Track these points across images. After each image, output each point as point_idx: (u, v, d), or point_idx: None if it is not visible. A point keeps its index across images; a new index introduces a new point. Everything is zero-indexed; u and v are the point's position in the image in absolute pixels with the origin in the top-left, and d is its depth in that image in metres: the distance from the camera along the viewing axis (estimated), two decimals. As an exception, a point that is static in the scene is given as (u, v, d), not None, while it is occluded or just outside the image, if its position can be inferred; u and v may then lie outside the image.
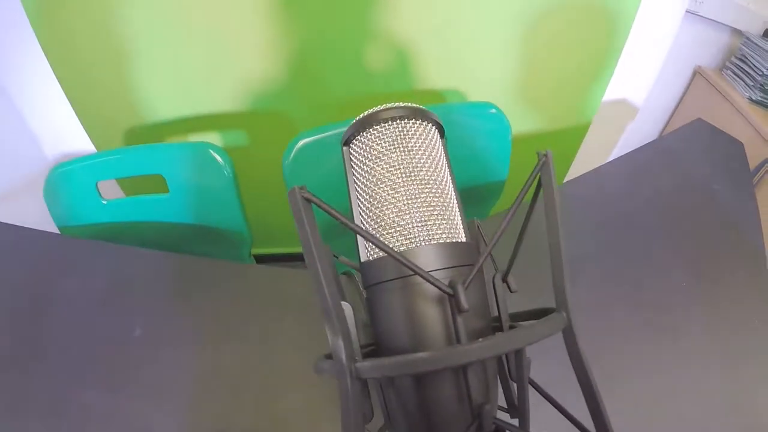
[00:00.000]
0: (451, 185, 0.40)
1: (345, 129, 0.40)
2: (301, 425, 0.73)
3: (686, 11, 1.70)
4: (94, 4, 1.33)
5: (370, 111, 0.38)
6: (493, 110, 1.29)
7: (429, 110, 0.39)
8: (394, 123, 0.38)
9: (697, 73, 2.16)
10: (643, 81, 1.77)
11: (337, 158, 0.41)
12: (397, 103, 0.38)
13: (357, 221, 0.39)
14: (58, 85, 1.49)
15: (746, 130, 1.83)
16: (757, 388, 0.78)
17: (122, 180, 1.64)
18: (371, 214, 0.37)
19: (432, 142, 0.39)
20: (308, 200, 0.33)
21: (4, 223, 1.07)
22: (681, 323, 0.88)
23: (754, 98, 1.89)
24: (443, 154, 0.40)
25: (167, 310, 0.91)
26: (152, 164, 1.20)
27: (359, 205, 0.39)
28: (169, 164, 1.20)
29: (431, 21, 1.46)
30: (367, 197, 0.38)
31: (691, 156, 1.35)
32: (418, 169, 0.37)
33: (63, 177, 1.19)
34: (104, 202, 1.23)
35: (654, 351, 0.83)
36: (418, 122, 0.39)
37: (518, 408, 0.37)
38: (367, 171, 0.38)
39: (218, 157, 1.15)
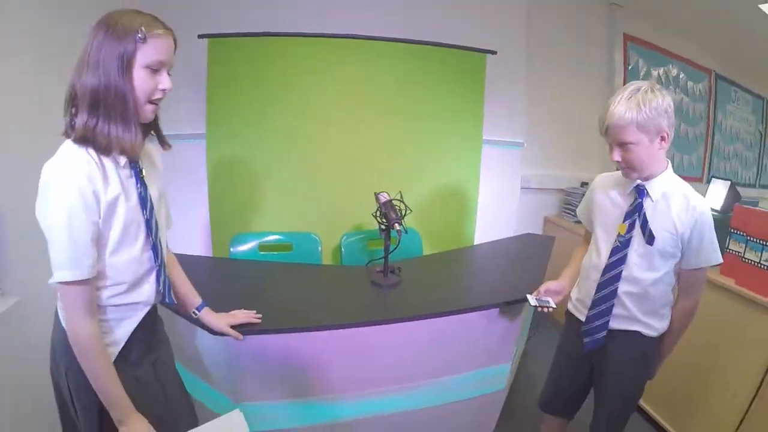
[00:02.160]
0: None
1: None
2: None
3: (522, 188, 3.33)
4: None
5: None
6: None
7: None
8: None
9: (546, 220, 3.78)
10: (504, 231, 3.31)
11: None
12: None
13: None
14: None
15: (573, 238, 3.30)
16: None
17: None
18: None
19: None
20: None
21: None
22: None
23: (576, 221, 3.41)
24: None
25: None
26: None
27: None
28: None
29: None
30: None
31: (527, 241, 2.78)
32: None
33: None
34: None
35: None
36: None
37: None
38: None
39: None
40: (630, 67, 4.02)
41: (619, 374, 1.58)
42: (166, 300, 1.29)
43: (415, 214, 2.23)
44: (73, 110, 1.06)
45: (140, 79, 1.06)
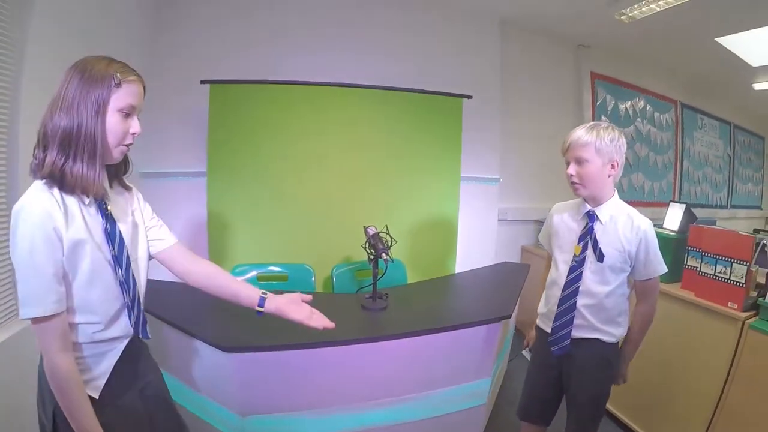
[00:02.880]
0: None
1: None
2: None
3: (499, 220, 3.58)
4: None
5: None
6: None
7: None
8: None
9: (523, 249, 4.04)
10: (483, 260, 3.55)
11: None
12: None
13: None
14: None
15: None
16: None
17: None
18: None
19: None
20: None
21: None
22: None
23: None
24: None
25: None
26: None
27: None
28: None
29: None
30: None
31: (504, 269, 3.01)
32: None
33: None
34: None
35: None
36: None
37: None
38: None
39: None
40: (598, 103, 4.32)
41: (585, 377, 1.76)
42: (140, 336, 1.29)
43: (400, 246, 2.45)
44: (42, 150, 1.08)
45: (113, 122, 1.11)
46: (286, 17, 3.17)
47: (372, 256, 2.27)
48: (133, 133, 1.17)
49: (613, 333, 1.72)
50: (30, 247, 1.02)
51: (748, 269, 2.03)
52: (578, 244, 1.70)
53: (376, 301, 2.33)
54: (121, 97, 1.11)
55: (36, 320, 1.05)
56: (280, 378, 1.96)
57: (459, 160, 3.41)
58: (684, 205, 2.79)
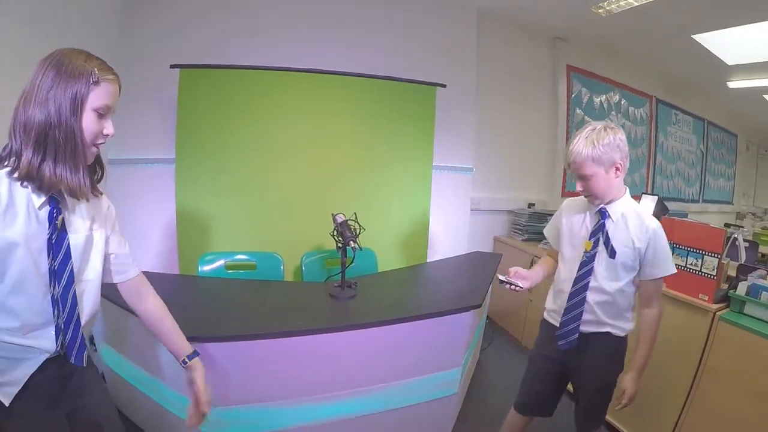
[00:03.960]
0: None
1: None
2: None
3: (472, 210, 3.58)
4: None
5: None
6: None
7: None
8: None
9: (495, 239, 4.05)
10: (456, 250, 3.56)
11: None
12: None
13: None
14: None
15: (522, 255, 3.55)
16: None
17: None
18: None
19: None
20: None
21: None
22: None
23: (524, 239, 3.67)
24: None
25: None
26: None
27: None
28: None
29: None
30: None
31: (476, 258, 3.01)
32: None
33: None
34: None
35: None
36: None
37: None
38: None
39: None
40: (573, 95, 4.35)
41: (595, 369, 1.77)
42: (72, 362, 1.17)
43: (370, 234, 2.43)
44: (14, 144, 1.03)
45: (88, 121, 1.06)
46: (259, 2, 3.10)
47: (340, 244, 2.24)
48: (107, 135, 1.12)
49: (622, 327, 1.73)
50: None
51: (719, 261, 2.06)
52: (589, 240, 1.71)
53: (344, 290, 2.31)
54: (98, 96, 1.07)
55: None
56: (246, 369, 1.93)
57: (431, 149, 3.40)
58: (656, 197, 2.82)
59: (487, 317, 3.62)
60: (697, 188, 6.34)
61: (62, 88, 1.02)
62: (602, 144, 1.57)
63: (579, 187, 1.69)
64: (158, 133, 2.91)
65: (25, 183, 1.02)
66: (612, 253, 1.66)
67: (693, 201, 6.21)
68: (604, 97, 4.67)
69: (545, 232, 2.06)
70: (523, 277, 1.84)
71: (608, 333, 1.73)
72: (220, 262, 2.76)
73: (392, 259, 3.24)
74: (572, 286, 1.74)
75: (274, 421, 2.06)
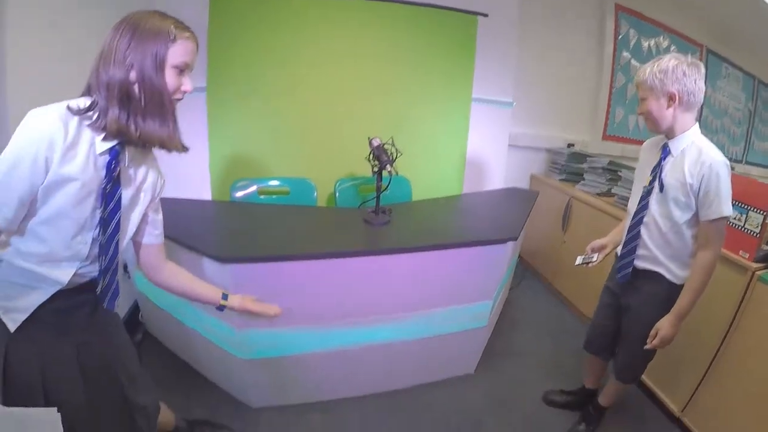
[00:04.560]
0: None
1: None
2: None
3: (510, 145, 3.47)
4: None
5: None
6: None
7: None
8: None
9: (532, 177, 3.92)
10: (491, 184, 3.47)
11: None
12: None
13: None
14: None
15: (559, 195, 3.44)
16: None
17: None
18: None
19: None
20: None
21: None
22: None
23: (561, 178, 3.55)
24: None
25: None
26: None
27: None
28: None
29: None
30: None
31: (512, 194, 2.94)
32: None
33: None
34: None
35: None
36: None
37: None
38: None
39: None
40: (620, 36, 4.08)
41: (643, 313, 1.74)
42: (105, 306, 1.23)
43: (405, 163, 2.36)
44: (100, 101, 1.06)
45: (170, 77, 1.10)
46: None
47: (376, 169, 2.19)
48: (185, 91, 1.15)
49: (676, 273, 1.68)
50: (14, 161, 0.98)
51: (764, 220, 1.93)
52: (650, 174, 1.69)
53: (378, 216, 2.27)
54: (176, 54, 1.09)
55: None
56: (276, 291, 1.92)
57: (471, 80, 3.27)
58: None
59: (519, 256, 3.57)
60: (741, 148, 6.02)
61: (141, 48, 1.05)
62: (659, 70, 1.56)
63: (638, 109, 1.68)
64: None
65: (75, 111, 1.04)
66: (661, 187, 1.63)
67: (736, 161, 5.88)
68: (653, 41, 4.37)
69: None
70: (599, 247, 1.96)
71: (663, 276, 1.68)
72: (253, 188, 2.75)
73: (427, 189, 3.18)
74: (631, 219, 1.74)
75: (302, 345, 2.09)
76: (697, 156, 1.56)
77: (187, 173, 2.90)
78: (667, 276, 1.68)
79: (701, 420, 2.05)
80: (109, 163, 1.10)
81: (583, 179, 3.37)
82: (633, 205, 1.77)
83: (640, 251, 1.72)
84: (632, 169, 2.95)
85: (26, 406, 1.13)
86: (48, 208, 1.05)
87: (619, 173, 3.06)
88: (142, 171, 1.24)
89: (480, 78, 3.29)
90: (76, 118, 1.04)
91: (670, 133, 1.64)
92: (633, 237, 1.73)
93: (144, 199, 1.26)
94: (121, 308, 2.48)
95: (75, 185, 1.05)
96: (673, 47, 4.53)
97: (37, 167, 0.99)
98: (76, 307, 1.22)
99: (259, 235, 2.07)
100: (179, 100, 1.16)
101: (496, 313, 2.81)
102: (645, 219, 1.69)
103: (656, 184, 1.65)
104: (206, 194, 2.93)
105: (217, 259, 1.80)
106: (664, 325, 1.65)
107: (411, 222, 2.42)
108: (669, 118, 1.60)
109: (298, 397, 2.25)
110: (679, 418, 2.15)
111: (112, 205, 1.14)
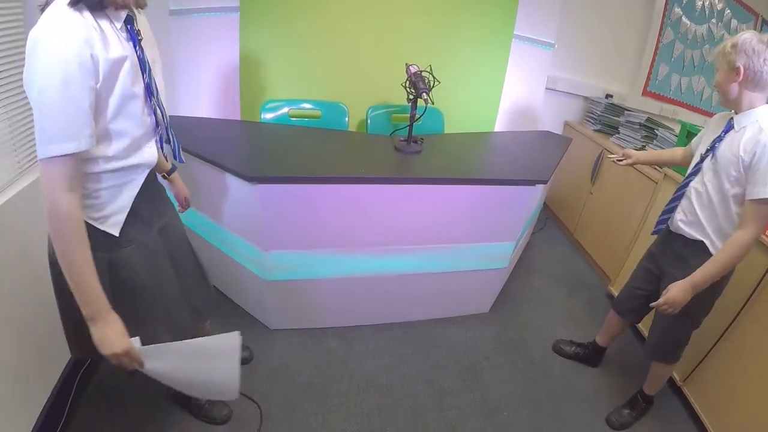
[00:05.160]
0: None
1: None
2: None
3: (547, 88, 3.35)
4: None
5: None
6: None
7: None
8: None
9: (566, 124, 3.80)
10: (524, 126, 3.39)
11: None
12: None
13: None
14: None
15: (592, 145, 3.36)
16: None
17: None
18: None
19: None
20: None
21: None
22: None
23: (596, 129, 3.45)
24: None
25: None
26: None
27: None
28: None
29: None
30: None
31: (546, 137, 2.86)
32: None
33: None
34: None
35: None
36: None
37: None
38: None
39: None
40: (673, -10, 3.83)
41: (679, 279, 1.66)
42: (177, 159, 1.32)
43: (440, 95, 2.30)
44: None
45: None
46: None
47: (411, 96, 2.13)
48: None
49: (719, 246, 1.62)
50: (64, 76, 0.90)
51: None
52: (709, 144, 1.67)
53: (410, 144, 2.24)
54: None
55: (53, 158, 0.94)
56: (304, 213, 1.94)
57: (515, 15, 3.12)
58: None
59: (543, 203, 3.53)
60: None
61: None
62: (730, 45, 1.54)
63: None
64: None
65: (74, 8, 0.95)
66: (713, 156, 1.61)
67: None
68: (708, 0, 4.11)
69: (692, 141, 1.94)
70: (628, 155, 2.08)
71: (706, 247, 1.65)
72: (284, 110, 2.72)
73: (460, 123, 3.13)
74: (684, 179, 1.74)
75: (324, 270, 2.13)
76: (756, 133, 1.50)
77: (216, 94, 2.89)
78: (711, 249, 1.64)
79: (699, 392, 2.06)
80: (132, 33, 1.08)
81: (618, 132, 3.26)
82: (688, 170, 1.75)
83: (688, 216, 1.70)
84: (670, 129, 2.92)
85: (135, 307, 1.22)
86: (114, 99, 1.03)
87: (656, 131, 2.95)
88: (147, 34, 1.20)
89: (523, 14, 3.14)
90: (85, 9, 0.96)
91: (737, 108, 1.60)
92: (677, 197, 1.75)
93: (157, 57, 1.25)
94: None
95: (127, 64, 1.04)
96: (727, 11, 4.24)
97: (87, 70, 0.94)
98: (156, 190, 1.32)
99: (288, 157, 2.05)
100: None
101: (516, 256, 2.81)
102: (696, 186, 1.67)
103: (711, 153, 1.62)
104: (236, 115, 2.92)
105: (245, 178, 1.80)
106: (673, 289, 1.63)
107: (442, 154, 2.38)
108: (734, 93, 1.56)
109: (315, 321, 2.32)
110: (680, 387, 2.16)
111: (147, 68, 1.13)
